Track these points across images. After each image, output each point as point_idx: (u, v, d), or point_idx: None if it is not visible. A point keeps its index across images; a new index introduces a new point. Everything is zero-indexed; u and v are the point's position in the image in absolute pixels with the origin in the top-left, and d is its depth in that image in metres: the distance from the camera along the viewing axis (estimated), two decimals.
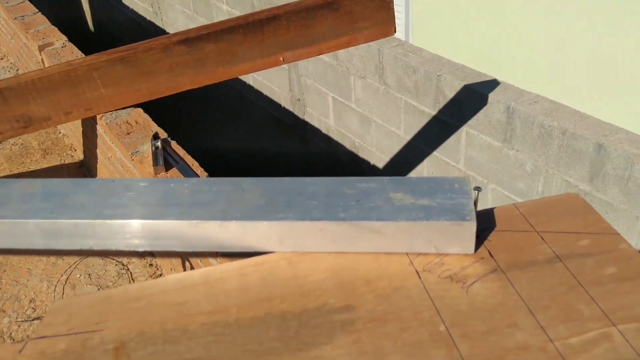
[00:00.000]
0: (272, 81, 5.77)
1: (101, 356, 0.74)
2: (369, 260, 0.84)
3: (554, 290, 0.77)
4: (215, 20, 6.02)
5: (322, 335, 0.74)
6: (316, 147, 5.64)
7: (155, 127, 2.96)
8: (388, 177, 0.90)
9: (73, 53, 3.64)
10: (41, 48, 3.74)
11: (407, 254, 0.85)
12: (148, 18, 7.00)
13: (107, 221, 0.87)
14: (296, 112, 5.69)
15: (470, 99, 3.91)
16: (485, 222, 0.87)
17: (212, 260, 2.41)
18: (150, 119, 3.03)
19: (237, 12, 5.62)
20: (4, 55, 5.10)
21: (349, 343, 0.72)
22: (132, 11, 7.25)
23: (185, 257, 2.68)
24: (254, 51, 3.03)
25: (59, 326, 0.78)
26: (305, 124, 5.64)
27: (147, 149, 2.81)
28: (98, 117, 3.11)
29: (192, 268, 2.68)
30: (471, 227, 0.81)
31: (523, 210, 0.89)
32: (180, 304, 0.81)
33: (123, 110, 3.09)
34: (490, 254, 0.83)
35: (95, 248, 0.89)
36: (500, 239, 0.85)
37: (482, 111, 3.88)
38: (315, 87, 5.24)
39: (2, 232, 0.90)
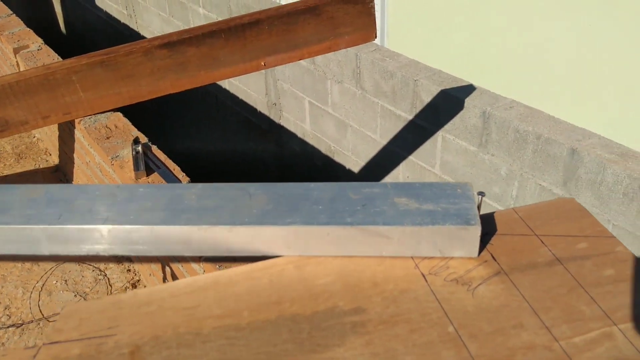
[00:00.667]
0: (248, 85, 5.77)
1: None
2: (374, 263, 0.87)
3: (555, 292, 0.80)
4: (191, 23, 6.01)
5: (334, 337, 0.76)
6: (292, 152, 5.66)
7: (135, 132, 2.95)
8: (391, 182, 0.93)
9: (49, 56, 3.60)
10: (16, 51, 3.69)
11: (412, 257, 0.87)
12: (122, 21, 6.94)
13: (116, 226, 0.88)
14: (272, 117, 5.70)
15: (447, 103, 3.97)
16: (487, 226, 0.90)
17: (194, 265, 2.40)
18: (130, 123, 3.01)
19: (213, 16, 5.61)
20: None
21: (361, 345, 0.74)
22: (106, 13, 7.18)
23: (166, 263, 2.67)
24: (236, 56, 3.04)
25: (71, 331, 0.79)
26: (281, 128, 5.65)
27: (127, 153, 2.80)
28: (76, 121, 3.09)
29: (172, 273, 2.67)
30: (476, 231, 0.84)
31: (522, 215, 0.92)
32: (192, 308, 0.82)
33: (102, 115, 3.07)
34: (493, 257, 0.86)
35: (102, 254, 0.90)
36: (502, 242, 0.88)
37: (458, 116, 3.94)
38: (291, 92, 5.26)
39: (5, 238, 0.90)
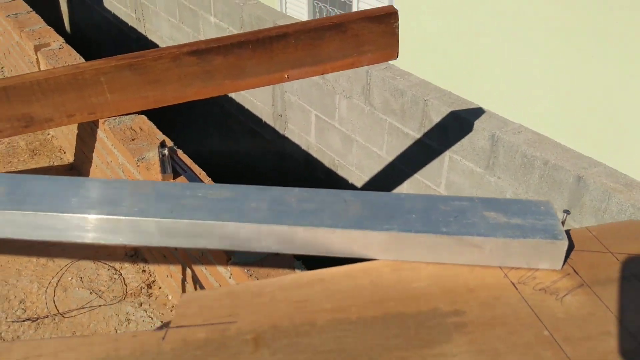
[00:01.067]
0: (255, 96, 5.84)
1: (241, 345, 0.80)
2: (465, 271, 0.94)
3: (635, 303, 0.88)
4: (201, 31, 6.07)
5: (440, 334, 0.83)
6: (295, 163, 5.73)
7: (160, 135, 3.00)
8: (477, 197, 1.00)
9: (71, 55, 3.64)
10: (37, 48, 3.73)
11: (500, 267, 0.95)
12: (130, 24, 6.99)
13: (228, 223, 0.94)
14: (277, 128, 5.77)
15: (456, 124, 4.07)
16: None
17: (220, 268, 2.46)
18: (154, 127, 3.06)
19: (224, 25, 5.69)
20: None
21: (466, 342, 0.82)
22: (114, 16, 7.22)
23: (188, 265, 2.71)
24: (262, 67, 3.12)
25: (194, 317, 0.85)
26: (285, 139, 5.72)
27: (153, 156, 2.85)
28: (100, 121, 3.13)
29: (193, 275, 2.72)
30: (563, 245, 0.92)
31: (595, 233, 1.01)
32: (302, 302, 0.88)
33: (126, 116, 3.12)
34: (574, 270, 0.94)
35: (209, 247, 0.96)
36: (580, 258, 0.96)
37: (466, 137, 4.05)
38: (299, 104, 5.33)
39: (120, 228, 0.96)
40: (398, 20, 3.14)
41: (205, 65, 3.07)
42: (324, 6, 7.47)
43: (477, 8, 3.91)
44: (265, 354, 0.79)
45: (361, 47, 3.15)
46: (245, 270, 2.29)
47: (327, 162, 5.36)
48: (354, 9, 7.09)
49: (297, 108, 5.41)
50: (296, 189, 1.02)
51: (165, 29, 6.46)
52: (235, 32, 5.65)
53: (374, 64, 3.30)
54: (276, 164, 5.96)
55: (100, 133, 3.22)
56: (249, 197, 0.99)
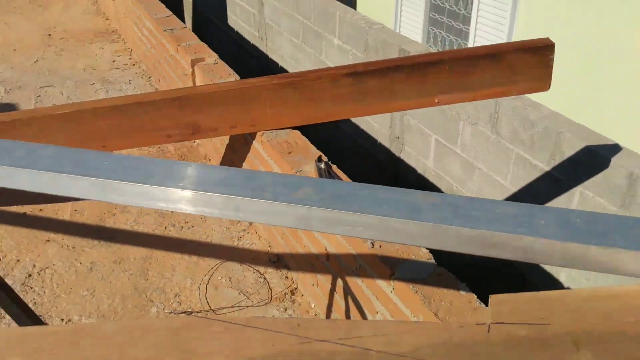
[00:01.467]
0: (372, 117, 5.97)
1: (562, 345, 0.90)
2: None
3: None
4: (324, 52, 6.28)
5: None
6: (408, 186, 5.79)
7: (314, 150, 3.17)
8: None
9: (225, 71, 3.89)
10: (194, 62, 4.00)
11: None
12: (252, 42, 7.31)
13: (524, 237, 1.04)
14: (392, 150, 5.86)
15: (590, 159, 4.04)
16: None
17: (381, 283, 2.56)
18: (309, 142, 3.23)
19: (347, 47, 5.86)
20: (136, 62, 5.40)
21: None
22: (237, 33, 7.58)
23: (341, 276, 2.84)
24: (413, 91, 3.24)
25: (509, 316, 0.95)
26: (399, 161, 5.81)
27: (310, 169, 3.01)
28: (258, 133, 3.33)
29: (345, 286, 2.83)
30: None
31: None
32: (606, 313, 0.96)
33: (282, 131, 3.31)
34: None
35: (499, 257, 1.06)
36: None
37: (601, 174, 4.01)
38: (418, 128, 5.42)
39: (375, 226, 1.08)
40: (554, 52, 3.19)
41: (360, 86, 3.22)
42: (439, 32, 7.55)
43: (606, 47, 3.91)
44: (588, 355, 0.88)
45: (514, 77, 3.22)
46: (411, 287, 2.39)
47: (444, 188, 5.40)
48: (471, 38, 7.13)
49: (416, 131, 5.49)
50: (577, 211, 1.10)
51: (286, 49, 6.72)
52: (359, 54, 5.81)
53: (524, 94, 3.36)
54: (389, 185, 6.03)
55: (255, 144, 3.42)
56: (535, 215, 1.09)
